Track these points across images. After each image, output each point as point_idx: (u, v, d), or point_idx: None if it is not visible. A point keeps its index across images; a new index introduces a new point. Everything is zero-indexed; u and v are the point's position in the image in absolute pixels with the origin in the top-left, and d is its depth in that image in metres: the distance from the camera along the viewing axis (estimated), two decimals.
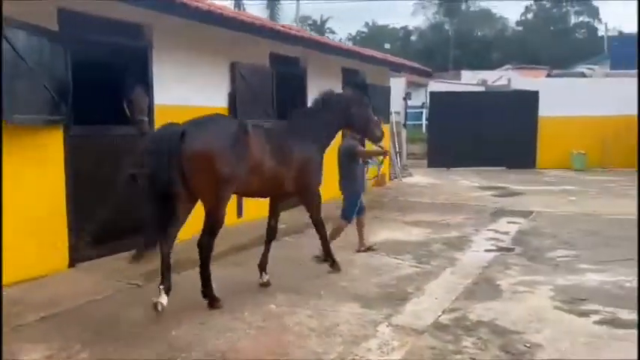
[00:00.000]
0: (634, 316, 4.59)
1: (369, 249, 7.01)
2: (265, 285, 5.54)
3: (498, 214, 9.86)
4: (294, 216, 9.23)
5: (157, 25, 6.87)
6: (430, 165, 18.02)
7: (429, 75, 15.52)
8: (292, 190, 5.50)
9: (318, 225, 5.85)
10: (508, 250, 7.11)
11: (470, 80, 34.05)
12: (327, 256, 6.01)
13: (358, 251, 6.98)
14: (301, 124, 5.59)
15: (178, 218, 4.74)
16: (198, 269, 5.00)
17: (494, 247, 7.25)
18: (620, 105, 18.00)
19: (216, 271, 5.95)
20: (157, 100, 6.92)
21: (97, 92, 6.80)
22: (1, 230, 4.88)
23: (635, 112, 17.99)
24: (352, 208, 6.75)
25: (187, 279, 5.67)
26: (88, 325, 4.52)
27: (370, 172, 7.78)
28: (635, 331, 4.27)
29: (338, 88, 11.52)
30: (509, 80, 20.76)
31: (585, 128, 18.02)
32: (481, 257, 6.76)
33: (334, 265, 6.03)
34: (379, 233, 7.94)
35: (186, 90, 7.44)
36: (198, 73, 7.73)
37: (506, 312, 4.74)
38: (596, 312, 4.70)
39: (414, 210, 10.19)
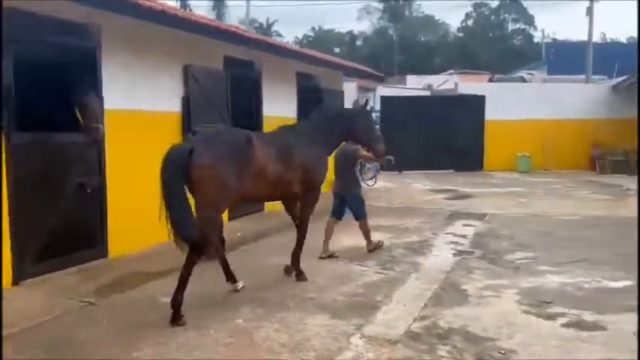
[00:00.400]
0: (597, 318, 4.68)
1: (331, 256, 6.96)
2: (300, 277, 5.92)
3: (454, 216, 9.98)
4: (248, 224, 9.04)
5: (107, 26, 6.51)
6: (382, 168, 18.13)
7: (381, 80, 15.65)
8: (298, 191, 5.74)
9: (305, 223, 6.10)
10: (468, 253, 7.16)
11: (415, 85, 34.78)
12: (295, 264, 6.05)
13: (321, 258, 6.90)
14: (307, 132, 5.82)
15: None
16: (146, 286, 4.73)
17: (454, 251, 7.29)
18: (561, 109, 18.81)
19: (170, 285, 5.70)
20: (107, 104, 6.54)
21: (43, 96, 6.37)
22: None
23: (571, 116, 18.89)
24: (361, 207, 7.19)
25: (142, 296, 5.39)
26: (39, 349, 4.15)
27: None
28: (597, 333, 4.36)
29: (293, 93, 11.45)
30: (456, 85, 21.23)
31: (529, 131, 18.67)
32: (443, 261, 6.77)
33: (300, 275, 5.99)
34: (341, 239, 7.83)
35: (137, 94, 7.12)
36: (150, 76, 7.40)
37: (476, 318, 4.72)
38: (562, 314, 4.76)
39: (372, 214, 9.99)
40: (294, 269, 6.01)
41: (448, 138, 18.04)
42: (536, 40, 66.95)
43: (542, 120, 18.72)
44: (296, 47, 10.00)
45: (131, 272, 6.18)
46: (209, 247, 4.96)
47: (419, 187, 14.78)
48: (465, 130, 18.23)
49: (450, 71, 50.91)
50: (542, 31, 62.06)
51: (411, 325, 4.60)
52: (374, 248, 7.14)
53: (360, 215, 7.16)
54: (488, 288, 5.60)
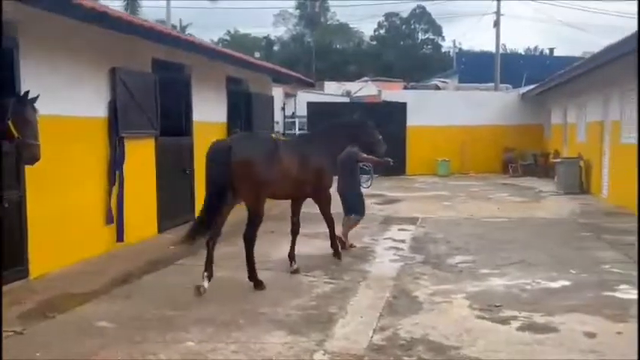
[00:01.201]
0: (546, 319, 4.82)
1: (351, 246, 7.73)
2: (296, 272, 6.49)
3: (388, 221, 10.08)
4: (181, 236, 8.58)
5: (24, 24, 5.89)
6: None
7: (312, 85, 15.61)
8: (309, 192, 6.59)
9: (329, 219, 7.01)
10: (410, 259, 7.22)
11: (333, 91, 35.24)
12: (334, 246, 7.05)
13: (344, 248, 7.48)
14: (319, 140, 6.66)
15: (223, 217, 6.17)
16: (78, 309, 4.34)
17: (397, 257, 7.33)
18: (477, 116, 19.75)
19: (105, 307, 5.27)
20: None
21: None
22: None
23: (485, 123, 19.90)
24: (358, 204, 7.88)
25: (75, 320, 4.90)
26: None
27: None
28: (551, 335, 4.49)
29: (223, 97, 11.08)
30: (379, 92, 21.67)
31: (447, 137, 19.43)
32: (389, 268, 6.77)
33: (337, 254, 7.05)
34: (283, 248, 7.62)
35: (59, 98, 6.51)
36: (73, 79, 6.84)
37: (434, 326, 4.71)
38: (514, 318, 4.86)
39: (309, 221, 9.90)
40: (335, 249, 7.02)
41: None
42: (444, 49, 70.44)
43: (459, 126, 19.55)
44: (228, 50, 9.61)
45: (59, 294, 5.62)
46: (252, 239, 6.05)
47: None
48: (389, 136, 18.48)
49: (365, 78, 52.18)
50: (454, 41, 65.26)
51: (372, 337, 4.50)
52: (333, 244, 7.24)
53: (356, 211, 7.85)
54: (438, 293, 5.64)
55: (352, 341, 4.42)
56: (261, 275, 6.33)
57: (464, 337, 4.45)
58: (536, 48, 62.00)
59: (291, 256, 6.67)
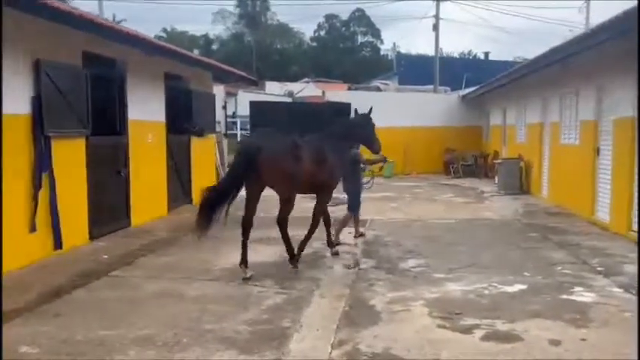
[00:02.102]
0: (509, 327, 4.65)
1: (361, 235, 8.45)
2: (336, 254, 7.30)
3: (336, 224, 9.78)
4: (114, 244, 7.95)
5: None
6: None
7: (255, 84, 15.12)
8: (324, 187, 6.90)
9: (324, 214, 7.38)
10: (363, 263, 6.95)
11: (275, 91, 34.83)
12: (302, 246, 6.96)
13: (355, 237, 8.37)
14: (330, 139, 6.91)
15: (254, 206, 6.70)
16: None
17: (350, 262, 7.03)
18: (419, 117, 19.92)
19: (30, 328, 4.67)
20: None
21: None
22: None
23: (426, 124, 20.12)
24: (357, 203, 8.42)
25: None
26: None
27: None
28: (516, 344, 4.31)
29: (161, 94, 10.45)
30: (323, 93, 21.44)
31: (391, 138, 19.40)
32: (342, 274, 6.47)
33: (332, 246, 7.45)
34: (228, 256, 7.17)
35: None
36: None
37: (395, 338, 4.43)
38: (476, 326, 4.65)
39: (257, 226, 9.56)
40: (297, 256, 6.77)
41: None
42: (382, 52, 71.51)
43: (402, 127, 19.62)
44: (167, 44, 8.95)
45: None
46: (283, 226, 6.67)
47: None
48: None
49: (307, 79, 52.09)
50: (394, 43, 66.54)
51: (330, 353, 4.17)
52: (334, 243, 7.71)
53: (352, 208, 8.41)
54: (395, 301, 5.38)
55: (309, 358, 4.06)
56: (205, 286, 5.89)
57: (427, 349, 4.19)
58: (470, 52, 64.10)
59: (330, 242, 7.47)
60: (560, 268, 6.56)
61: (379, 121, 19.02)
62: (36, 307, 5.20)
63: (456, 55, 59.70)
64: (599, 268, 6.48)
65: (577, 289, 5.69)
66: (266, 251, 7.54)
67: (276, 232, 8.78)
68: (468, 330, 4.59)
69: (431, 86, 28.48)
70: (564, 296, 5.47)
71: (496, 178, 15.45)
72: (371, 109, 7.72)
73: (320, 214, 7.14)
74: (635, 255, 7.07)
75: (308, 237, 7.00)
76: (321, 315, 5.04)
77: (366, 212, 11.08)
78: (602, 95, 9.52)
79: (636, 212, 7.95)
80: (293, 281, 6.11)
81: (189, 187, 11.87)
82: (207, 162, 13.14)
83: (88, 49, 7.91)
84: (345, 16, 70.00)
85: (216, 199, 6.25)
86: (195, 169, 12.07)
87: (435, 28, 29.40)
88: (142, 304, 5.33)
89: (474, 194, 14.42)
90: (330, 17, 70.62)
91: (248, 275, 6.14)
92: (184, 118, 11.38)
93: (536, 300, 5.36)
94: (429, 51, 66.67)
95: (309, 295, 5.60)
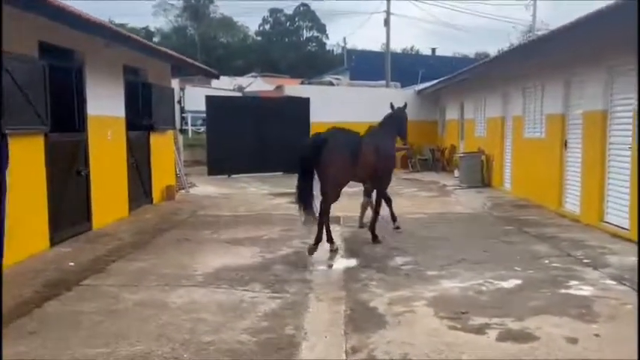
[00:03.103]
0: (520, 325, 4.54)
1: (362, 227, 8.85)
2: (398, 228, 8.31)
3: (310, 222, 9.49)
4: (79, 250, 7.37)
5: None
6: (211, 173, 17.05)
7: (216, 77, 14.53)
8: (380, 175, 7.75)
9: (385, 199, 8.09)
10: (350, 262, 6.73)
11: (224, 85, 34.05)
12: (373, 225, 7.89)
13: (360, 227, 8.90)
14: (383, 132, 7.96)
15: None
16: None
17: (333, 262, 6.80)
18: (377, 112, 19.84)
19: (10, 348, 4.17)
20: None
21: None
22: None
23: (376, 120, 20.11)
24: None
25: None
26: None
27: None
28: (534, 344, 4.21)
29: (120, 88, 9.85)
30: (282, 86, 21.04)
31: None
32: (333, 275, 6.22)
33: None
34: (206, 260, 6.77)
35: None
36: None
37: (410, 342, 4.22)
38: (487, 326, 4.52)
39: (224, 225, 9.17)
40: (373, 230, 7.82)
41: (277, 140, 17.69)
42: (328, 47, 71.56)
43: (361, 122, 19.45)
44: (130, 33, 8.25)
45: None
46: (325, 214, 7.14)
47: (256, 191, 14.12)
48: (293, 132, 18.06)
49: (254, 73, 51.38)
50: (344, 38, 66.90)
51: None
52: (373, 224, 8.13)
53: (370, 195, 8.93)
54: (396, 302, 5.18)
55: None
56: (190, 293, 5.49)
57: (446, 354, 4.01)
58: (412, 48, 65.11)
59: (393, 217, 8.31)
60: (547, 261, 6.57)
61: (338, 116, 19.10)
62: (6, 324, 4.65)
63: (399, 50, 60.55)
64: (585, 260, 6.54)
65: (572, 282, 5.69)
66: (244, 253, 7.19)
67: (242, 231, 8.58)
68: (480, 330, 4.45)
69: (382, 82, 28.60)
70: (563, 290, 5.44)
71: (456, 172, 15.62)
72: (406, 104, 8.86)
73: (383, 195, 8.00)
74: (614, 246, 7.22)
75: (375, 218, 7.94)
76: (324, 320, 4.77)
77: (335, 209, 10.89)
78: (570, 89, 9.70)
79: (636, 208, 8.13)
80: (283, 284, 5.79)
81: (150, 186, 11.27)
82: (167, 159, 12.54)
83: (44, 38, 7.25)
84: (289, 11, 69.63)
85: (303, 190, 7.03)
86: (155, 166, 11.47)
87: (386, 23, 29.53)
88: (125, 317, 4.88)
89: (437, 188, 14.50)
90: (274, 11, 70.03)
91: (334, 248, 7.17)
92: (144, 113, 10.78)
93: (537, 295, 5.30)
94: (375, 47, 67.36)
95: (304, 299, 5.31)
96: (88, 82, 8.47)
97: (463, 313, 4.85)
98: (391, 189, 14.12)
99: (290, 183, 15.53)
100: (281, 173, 17.97)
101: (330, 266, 6.62)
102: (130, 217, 9.96)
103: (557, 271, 6.14)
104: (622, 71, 7.89)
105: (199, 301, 5.24)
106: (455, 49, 64.58)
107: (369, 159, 7.27)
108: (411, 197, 12.79)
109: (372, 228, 7.86)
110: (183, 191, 13.27)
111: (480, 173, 14.31)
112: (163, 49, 10.53)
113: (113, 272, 6.34)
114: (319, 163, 6.86)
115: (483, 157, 14.39)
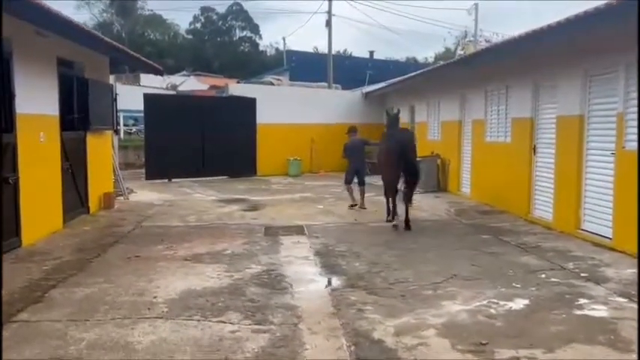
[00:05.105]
0: (550, 357, 4.01)
1: (353, 206, 11.01)
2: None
3: (271, 233, 8.72)
4: (11, 272, 6.19)
5: None
6: (149, 177, 15.76)
7: (161, 73, 13.33)
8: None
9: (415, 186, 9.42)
10: (332, 282, 6.00)
11: (152, 83, 32.51)
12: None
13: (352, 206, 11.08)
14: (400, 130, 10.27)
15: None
16: None
17: (315, 281, 6.05)
18: (324, 113, 19.28)
19: None
20: None
21: None
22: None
23: (333, 121, 19.56)
24: (364, 176, 11.50)
25: None
26: None
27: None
28: None
29: (54, 83, 8.64)
30: (226, 85, 19.96)
31: (297, 135, 18.62)
32: (318, 299, 5.43)
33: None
34: (166, 282, 5.82)
35: None
36: None
37: None
38: (517, 359, 3.96)
39: (177, 238, 8.17)
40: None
41: (220, 142, 16.68)
42: (261, 48, 70.46)
43: (307, 124, 18.88)
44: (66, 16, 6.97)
45: None
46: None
47: (203, 197, 13.08)
48: (238, 134, 17.14)
49: (185, 72, 49.59)
50: (284, 38, 65.84)
51: None
52: (360, 206, 11.07)
53: (364, 182, 11.34)
54: (402, 332, 4.50)
55: None
56: (156, 329, 4.55)
57: None
58: (345, 51, 65.32)
59: (407, 222, 9.00)
60: (544, 275, 6.14)
61: (283, 117, 18.34)
62: None
63: (333, 52, 60.37)
64: (582, 274, 6.16)
65: (582, 300, 5.25)
66: (208, 272, 6.32)
67: (198, 245, 7.67)
68: None
69: (323, 83, 28.11)
70: (577, 312, 4.97)
71: None
72: (399, 110, 10.51)
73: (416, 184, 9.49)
74: (602, 257, 6.94)
75: (411, 196, 9.30)
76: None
77: (294, 217, 10.19)
78: (538, 93, 9.48)
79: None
80: (264, 312, 4.96)
81: (86, 193, 10.02)
82: (105, 163, 11.28)
83: None
84: (222, 9, 68.06)
85: (394, 181, 9.15)
86: (92, 171, 10.22)
87: (328, 24, 29.10)
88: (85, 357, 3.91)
89: None
90: (206, 10, 68.17)
91: (395, 222, 9.00)
92: (79, 111, 9.54)
93: (553, 318, 4.80)
94: (308, 48, 66.92)
95: (295, 332, 4.51)
96: (17, 74, 7.23)
97: (483, 344, 4.24)
98: (346, 193, 13.74)
99: (236, 188, 14.70)
100: (225, 177, 16.98)
101: (313, 286, 5.86)
102: (66, 230, 8.73)
103: (560, 287, 5.70)
104: (600, 74, 7.67)
105: (170, 340, 4.31)
106: (387, 54, 65.50)
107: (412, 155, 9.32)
108: (369, 202, 12.21)
109: (407, 218, 9.00)
110: (121, 198, 12.02)
111: (436, 178, 14.01)
112: (108, 39, 9.31)
113: (55, 302, 5.26)
114: (407, 157, 8.86)
115: (439, 161, 14.10)
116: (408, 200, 8.96)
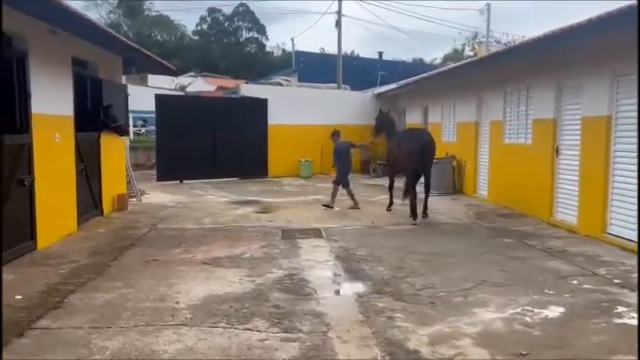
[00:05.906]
0: None
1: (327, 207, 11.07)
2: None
3: (289, 236, 8.56)
4: (28, 277, 6.06)
5: None
6: (160, 178, 15.63)
7: (174, 74, 13.22)
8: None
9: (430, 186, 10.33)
10: (358, 288, 5.83)
11: (158, 84, 32.50)
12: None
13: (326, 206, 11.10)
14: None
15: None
16: None
17: (339, 286, 5.89)
18: (335, 114, 19.09)
19: None
20: None
21: None
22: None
23: (344, 122, 19.34)
24: (348, 178, 11.54)
25: None
26: None
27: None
28: None
29: (69, 83, 8.52)
30: (238, 86, 19.82)
31: (308, 136, 18.44)
32: (345, 305, 5.27)
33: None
34: (187, 287, 5.66)
35: None
36: None
37: None
38: None
39: (194, 241, 8.02)
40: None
41: (233, 142, 16.55)
42: (268, 49, 70.36)
43: (317, 125, 18.70)
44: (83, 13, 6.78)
45: None
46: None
47: (216, 199, 12.93)
48: (250, 135, 17.00)
49: (192, 73, 49.56)
50: (292, 39, 65.77)
51: None
52: (353, 207, 11.16)
53: (347, 185, 11.42)
54: (437, 342, 4.32)
55: None
56: (182, 337, 4.38)
57: None
58: (352, 52, 65.11)
59: (424, 210, 10.05)
60: (576, 282, 5.95)
61: (294, 118, 18.18)
62: None
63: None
64: (615, 281, 5.97)
65: (620, 309, 5.05)
66: (229, 276, 6.15)
67: (217, 249, 7.53)
68: None
69: (332, 84, 27.94)
70: (617, 320, 4.78)
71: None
72: (389, 110, 11.65)
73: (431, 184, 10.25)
74: (633, 262, 6.73)
75: (427, 197, 10.14)
76: None
77: (309, 219, 10.02)
78: (562, 94, 9.27)
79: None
80: (291, 319, 4.80)
81: (100, 195, 9.89)
82: (119, 164, 11.16)
83: None
84: (228, 10, 68.10)
85: (414, 179, 9.76)
86: (106, 173, 10.09)
87: (338, 24, 28.92)
88: None
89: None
90: (212, 11, 68.19)
91: (416, 222, 9.48)
92: (93, 112, 9.42)
93: (593, 328, 4.61)
94: (314, 48, 66.81)
95: (326, 341, 4.34)
96: (33, 74, 7.10)
97: (523, 354, 4.06)
98: (360, 196, 13.56)
99: (248, 189, 14.54)
100: (236, 179, 16.84)
101: (338, 292, 5.70)
102: (80, 233, 8.59)
103: (594, 294, 5.51)
104: (629, 74, 7.47)
105: (197, 349, 4.16)
106: (393, 55, 65.24)
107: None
108: (384, 205, 12.02)
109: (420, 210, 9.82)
110: (134, 200, 11.88)
111: (452, 180, 13.81)
112: (124, 38, 9.18)
113: (75, 308, 5.11)
114: (428, 157, 9.71)
115: (454, 163, 13.90)
116: (409, 195, 9.77)
